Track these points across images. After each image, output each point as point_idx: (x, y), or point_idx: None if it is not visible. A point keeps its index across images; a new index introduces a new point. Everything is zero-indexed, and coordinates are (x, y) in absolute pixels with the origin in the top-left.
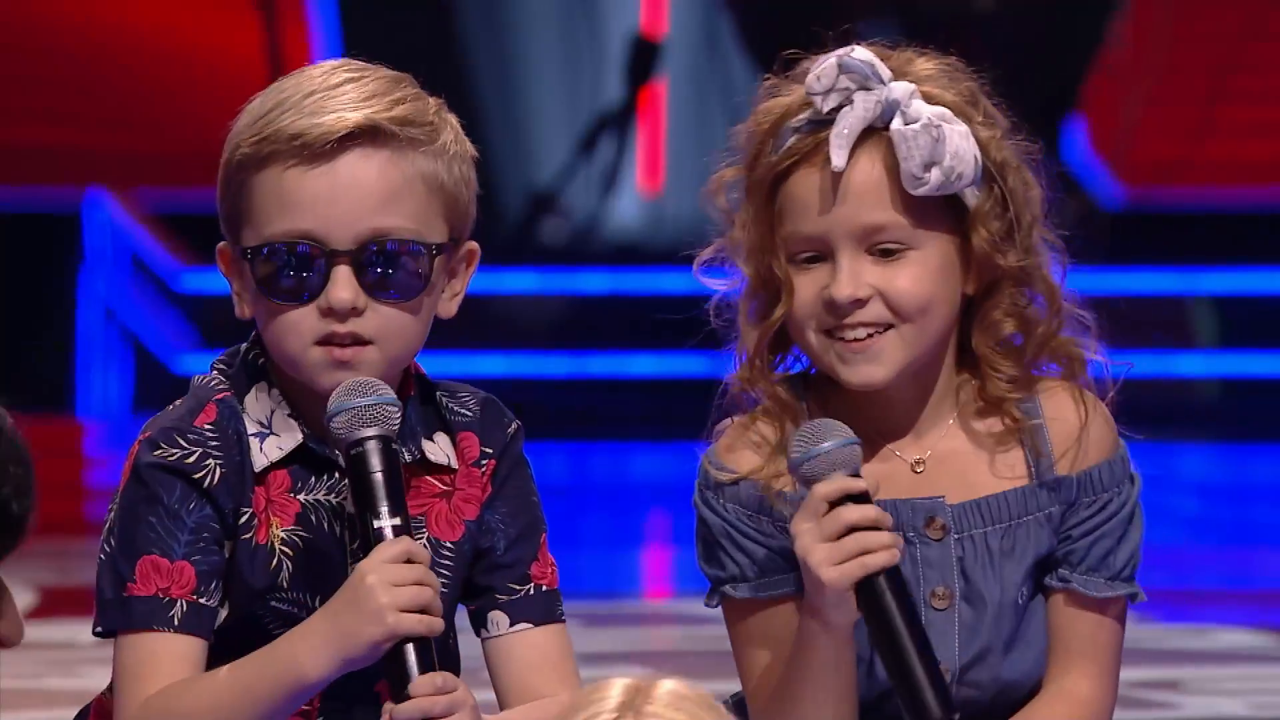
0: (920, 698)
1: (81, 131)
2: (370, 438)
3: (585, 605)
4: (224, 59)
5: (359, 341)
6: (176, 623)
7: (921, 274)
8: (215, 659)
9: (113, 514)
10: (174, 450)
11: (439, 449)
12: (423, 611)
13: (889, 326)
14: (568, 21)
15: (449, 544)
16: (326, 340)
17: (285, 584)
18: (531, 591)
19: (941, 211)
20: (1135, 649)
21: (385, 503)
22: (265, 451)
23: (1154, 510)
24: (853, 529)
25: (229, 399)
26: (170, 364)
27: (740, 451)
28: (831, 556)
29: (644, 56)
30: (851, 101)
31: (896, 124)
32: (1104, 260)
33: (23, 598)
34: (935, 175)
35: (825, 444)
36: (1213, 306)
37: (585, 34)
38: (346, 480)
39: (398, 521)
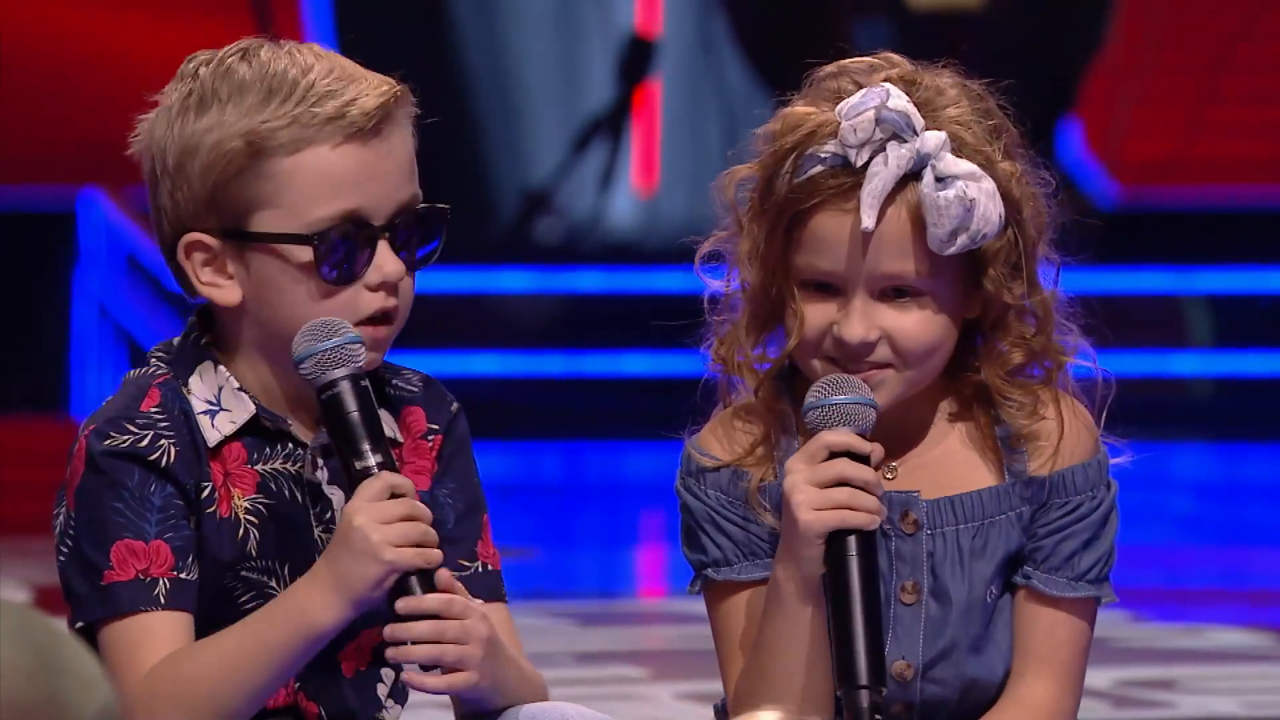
0: (853, 661)
1: (76, 130)
2: (341, 378)
3: (580, 604)
4: None
5: (393, 314)
6: (163, 600)
7: (930, 318)
8: None
9: (65, 513)
10: (125, 437)
11: (386, 424)
12: (417, 545)
13: (888, 365)
14: (562, 20)
15: None
16: (373, 318)
17: (254, 552)
18: (480, 569)
19: (958, 257)
20: (1128, 648)
21: (366, 441)
22: (217, 426)
23: (1148, 510)
24: (845, 483)
25: (170, 381)
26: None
27: (723, 440)
28: (814, 501)
29: (638, 55)
30: (884, 150)
31: (927, 184)
32: (1097, 260)
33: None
34: (962, 240)
35: (840, 396)
36: (1207, 306)
37: (579, 33)
38: (304, 445)
39: (379, 459)
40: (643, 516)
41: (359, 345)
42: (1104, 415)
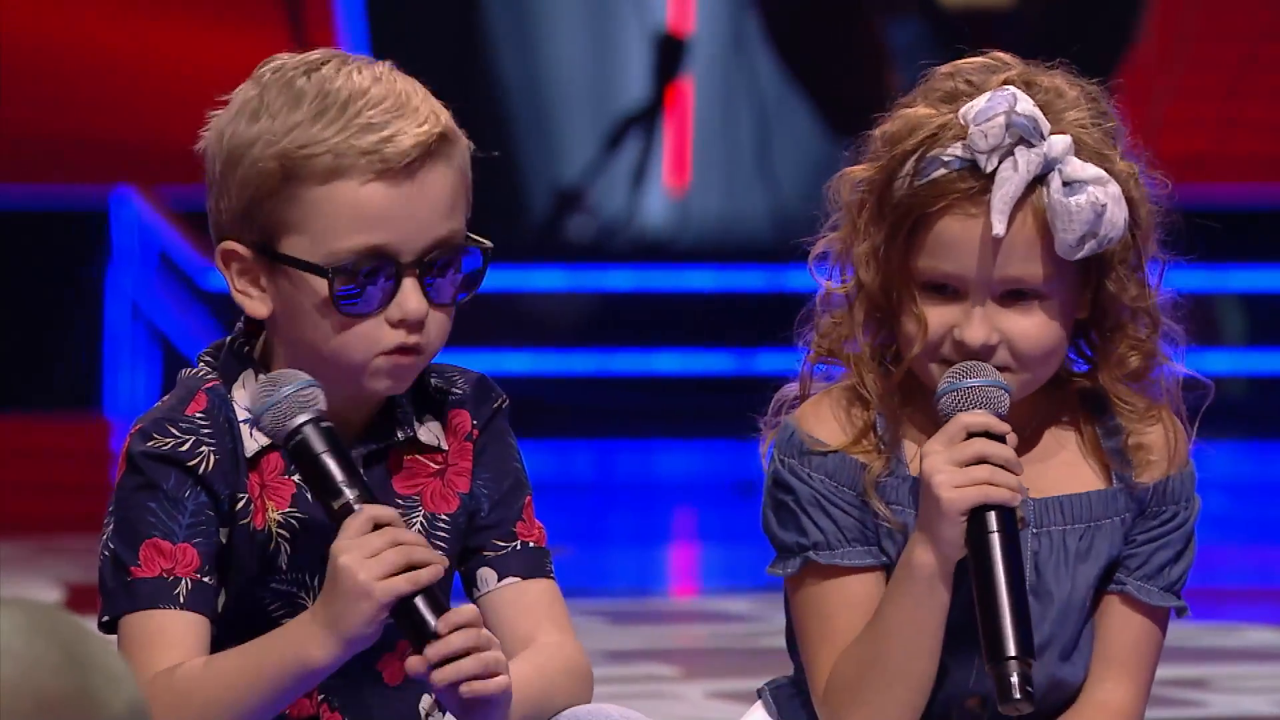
0: (1000, 634)
1: (109, 129)
2: (304, 424)
3: (611, 603)
4: (251, 60)
5: (417, 348)
6: (182, 600)
7: (1048, 322)
8: (216, 644)
9: (111, 511)
10: (167, 440)
11: (429, 431)
12: (408, 567)
13: (1005, 369)
14: (595, 19)
15: (445, 516)
16: (396, 350)
17: (284, 565)
18: (518, 547)
19: (1076, 260)
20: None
21: (342, 479)
22: (255, 437)
23: None
24: (983, 461)
25: (218, 387)
26: (197, 361)
27: (832, 424)
28: (955, 479)
29: (670, 54)
30: (1012, 155)
31: (1056, 189)
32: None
33: (49, 594)
34: (1090, 245)
35: (976, 379)
36: (1240, 304)
37: (612, 31)
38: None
39: (357, 492)
40: (674, 515)
41: (314, 389)
42: (1198, 420)
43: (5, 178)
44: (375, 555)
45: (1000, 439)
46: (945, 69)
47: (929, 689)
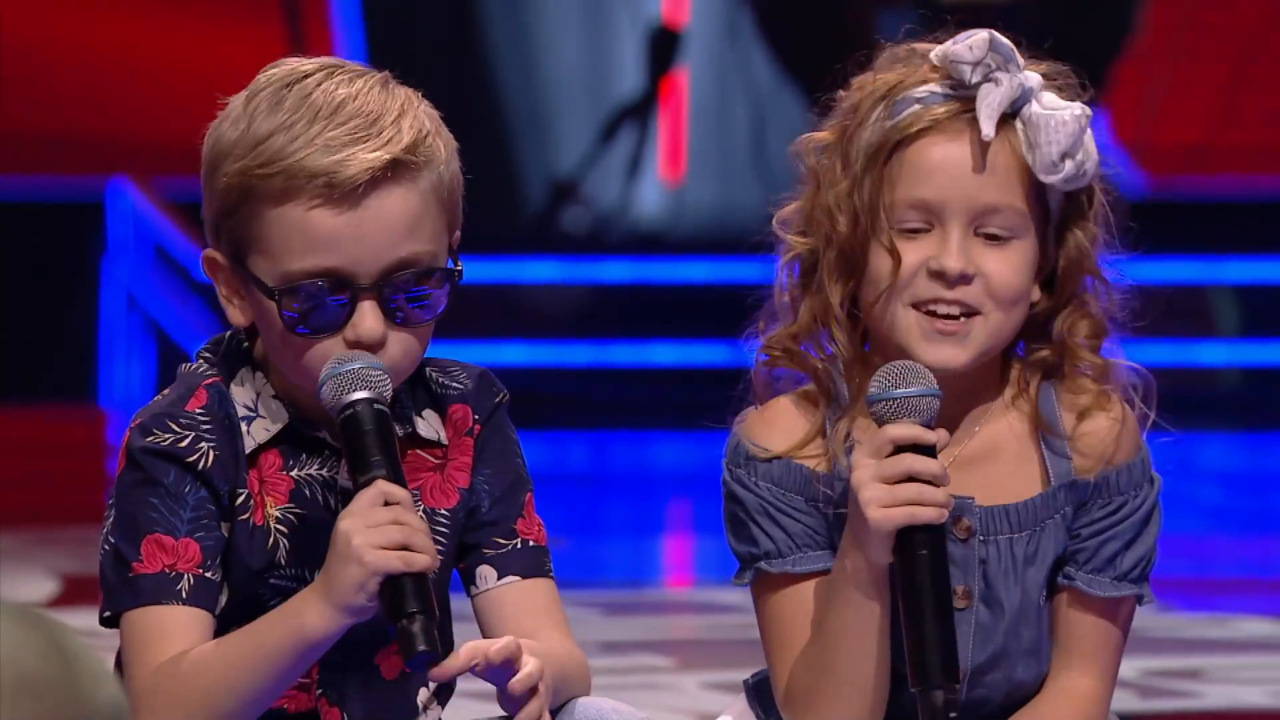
0: (926, 657)
1: (105, 121)
2: (359, 400)
3: (607, 594)
4: (248, 55)
5: None
6: (185, 596)
7: (1021, 264)
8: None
9: (111, 506)
10: (166, 435)
11: (428, 425)
12: (404, 548)
13: (977, 313)
14: (590, 11)
15: (444, 511)
16: None
17: (283, 561)
18: (518, 546)
19: (1041, 210)
20: (1155, 638)
21: (377, 459)
22: (253, 434)
23: (1175, 500)
24: (911, 478)
25: (218, 384)
26: (192, 352)
27: (776, 430)
28: (882, 498)
29: (665, 46)
30: (995, 79)
31: (1037, 109)
32: (1126, 249)
33: (45, 586)
34: (1069, 166)
35: (905, 389)
36: (1234, 295)
37: (607, 23)
38: (340, 452)
39: (385, 473)
40: (669, 506)
41: (381, 371)
42: (1153, 410)
43: (1, 169)
44: (376, 526)
45: (929, 449)
46: (900, 50)
47: (884, 689)
